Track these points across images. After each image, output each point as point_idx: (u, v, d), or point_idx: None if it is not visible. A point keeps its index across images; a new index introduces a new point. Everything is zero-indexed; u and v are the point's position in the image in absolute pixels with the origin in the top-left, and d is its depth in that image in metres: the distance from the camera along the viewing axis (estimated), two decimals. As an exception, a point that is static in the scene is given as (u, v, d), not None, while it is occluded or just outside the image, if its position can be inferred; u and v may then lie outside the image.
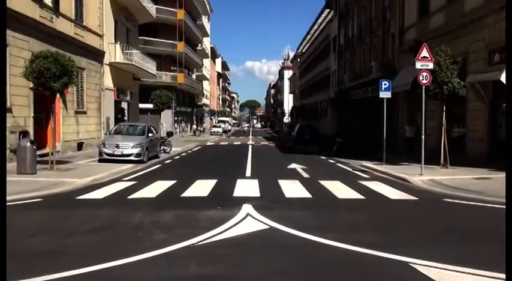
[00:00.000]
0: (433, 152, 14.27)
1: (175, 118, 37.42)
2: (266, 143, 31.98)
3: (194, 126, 42.84)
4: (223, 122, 60.16)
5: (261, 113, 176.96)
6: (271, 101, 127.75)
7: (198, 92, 51.93)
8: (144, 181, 10.57)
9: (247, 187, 9.58)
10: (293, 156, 19.61)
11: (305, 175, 12.17)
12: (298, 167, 13.97)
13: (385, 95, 14.32)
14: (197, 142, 30.65)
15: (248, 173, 12.52)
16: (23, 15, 12.60)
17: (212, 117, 64.60)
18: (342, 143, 19.01)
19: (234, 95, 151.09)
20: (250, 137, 43.67)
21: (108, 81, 21.01)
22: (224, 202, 7.64)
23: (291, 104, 73.15)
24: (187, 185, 9.67)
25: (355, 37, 30.27)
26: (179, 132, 41.04)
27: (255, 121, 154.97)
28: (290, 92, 76.78)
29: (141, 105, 27.74)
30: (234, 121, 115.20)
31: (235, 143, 31.32)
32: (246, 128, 59.50)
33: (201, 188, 9.38)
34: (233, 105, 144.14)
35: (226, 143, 31.59)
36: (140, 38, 31.00)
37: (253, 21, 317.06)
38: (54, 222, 5.97)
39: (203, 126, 46.77)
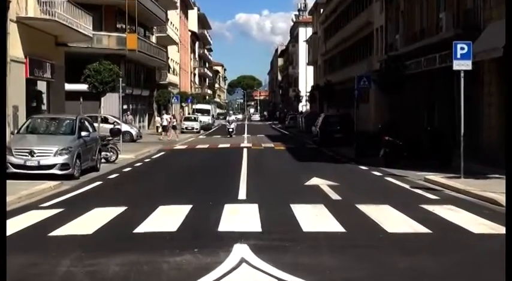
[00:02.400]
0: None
1: (124, 107, 37.46)
2: (271, 145, 32.09)
3: (159, 119, 42.74)
4: (202, 111, 60.28)
5: (262, 97, 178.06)
6: (279, 78, 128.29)
7: (161, 65, 52.08)
8: (74, 207, 10.61)
9: (240, 216, 9.63)
10: (315, 165, 19.64)
11: (334, 195, 12.21)
12: (323, 184, 14.02)
13: (462, 65, 14.36)
14: (159, 145, 30.72)
15: (242, 193, 12.58)
16: None
17: (184, 104, 64.76)
18: (393, 144, 19.07)
19: (219, 69, 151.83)
20: (245, 136, 43.75)
21: (15, 48, 20.93)
22: (204, 241, 7.66)
23: (311, 83, 73.33)
24: (144, 214, 9.69)
25: (413, -27, 30.30)
26: (131, 128, 41.00)
27: (251, 110, 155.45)
28: (309, 63, 76.95)
29: (69, 87, 27.70)
30: (219, 110, 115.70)
31: (221, 145, 31.45)
32: (232, 126, 42.73)
33: (167, 218, 9.41)
34: (217, 85, 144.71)
35: (206, 146, 31.73)
36: (66, -23, 31.01)
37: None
38: None
39: (164, 118, 46.89)
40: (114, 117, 33.08)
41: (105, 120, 32.37)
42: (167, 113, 49.98)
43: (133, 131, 34.04)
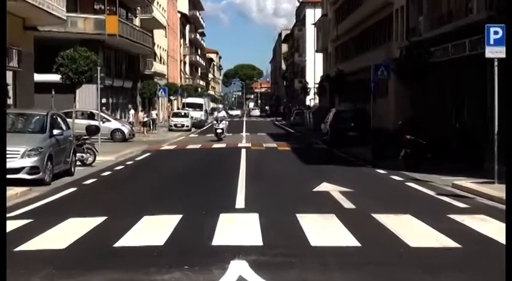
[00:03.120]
0: None
1: (103, 100, 37.48)
2: (273, 145, 32.14)
3: (142, 114, 42.80)
4: (193, 106, 60.38)
5: (263, 89, 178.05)
6: (283, 67, 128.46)
7: (146, 52, 52.11)
8: (45, 218, 10.62)
9: (238, 227, 9.65)
10: (324, 169, 19.65)
11: (347, 203, 12.24)
12: (334, 190, 14.06)
13: (496, 52, 14.36)
14: (143, 145, 30.75)
15: (240, 201, 12.61)
16: None
17: (172, 97, 64.81)
18: (415, 144, 19.06)
19: (213, 56, 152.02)
20: (244, 134, 43.75)
21: (-24, 32, 20.96)
22: (195, 257, 7.68)
23: (320, 73, 73.44)
24: (126, 225, 9.71)
25: None
26: (122, 126, 41.13)
27: (251, 105, 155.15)
28: (318, 50, 77.07)
29: (39, 77, 27.73)
30: (213, 105, 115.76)
31: (215, 145, 31.49)
32: (221, 126, 36.42)
33: (153, 230, 9.43)
34: (211, 76, 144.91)
35: (198, 146, 31.78)
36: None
37: None
38: None
39: (152, 114, 46.88)
40: (101, 112, 33.29)
41: (91, 116, 32.47)
42: (153, 108, 50.07)
43: (126, 129, 34.13)
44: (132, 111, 43.89)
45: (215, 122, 37.33)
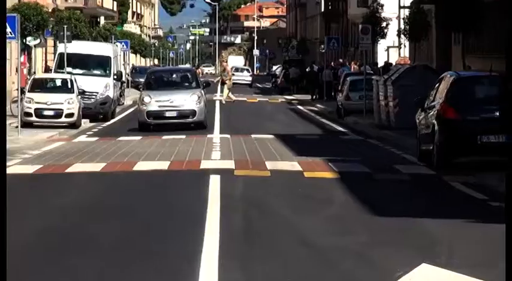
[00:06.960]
0: None
1: None
2: (292, 164, 32.26)
3: None
4: (87, 65, 60.66)
5: (266, 23, 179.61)
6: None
7: None
8: None
9: None
10: (426, 227, 19.91)
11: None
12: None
13: None
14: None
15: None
16: None
17: (32, 41, 65.14)
18: None
19: None
20: (216, 136, 44.11)
21: None
22: None
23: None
24: None
25: None
26: None
27: (235, 60, 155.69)
28: None
29: None
30: (135, 61, 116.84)
31: (142, 165, 31.60)
32: None
33: None
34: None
35: (97, 166, 32.29)
36: None
37: None
38: None
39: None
40: None
41: None
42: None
43: None
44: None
45: None
